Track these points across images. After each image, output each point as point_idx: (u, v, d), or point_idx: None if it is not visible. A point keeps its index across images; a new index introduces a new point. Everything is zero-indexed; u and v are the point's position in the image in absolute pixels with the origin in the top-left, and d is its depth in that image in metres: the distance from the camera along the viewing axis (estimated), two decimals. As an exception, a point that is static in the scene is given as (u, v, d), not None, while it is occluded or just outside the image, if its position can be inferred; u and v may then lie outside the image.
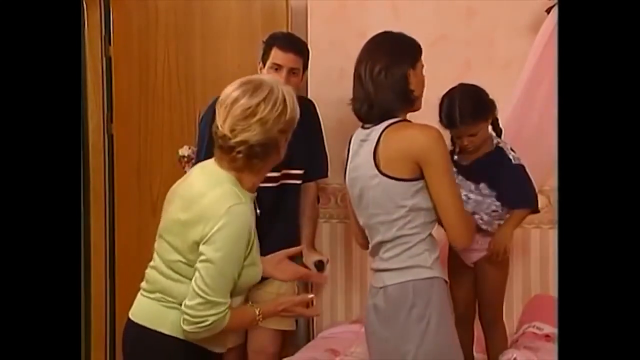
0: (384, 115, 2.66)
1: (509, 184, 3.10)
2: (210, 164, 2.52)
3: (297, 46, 3.47)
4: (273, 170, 3.50)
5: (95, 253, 4.19)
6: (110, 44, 4.16)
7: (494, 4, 3.75)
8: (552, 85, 3.25)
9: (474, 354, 3.24)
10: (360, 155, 2.71)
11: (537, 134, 3.50)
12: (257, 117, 2.38)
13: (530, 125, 3.55)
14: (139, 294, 2.62)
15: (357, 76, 2.69)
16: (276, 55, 3.43)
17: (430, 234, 2.67)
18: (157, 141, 4.12)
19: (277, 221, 3.50)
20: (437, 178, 2.58)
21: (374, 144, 2.64)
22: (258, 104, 2.39)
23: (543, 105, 3.50)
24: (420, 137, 2.59)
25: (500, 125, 3.15)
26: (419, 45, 2.73)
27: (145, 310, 2.56)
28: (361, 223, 2.77)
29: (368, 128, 2.70)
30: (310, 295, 2.71)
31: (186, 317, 2.40)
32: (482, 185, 3.09)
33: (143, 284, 2.61)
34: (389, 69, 2.64)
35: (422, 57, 2.71)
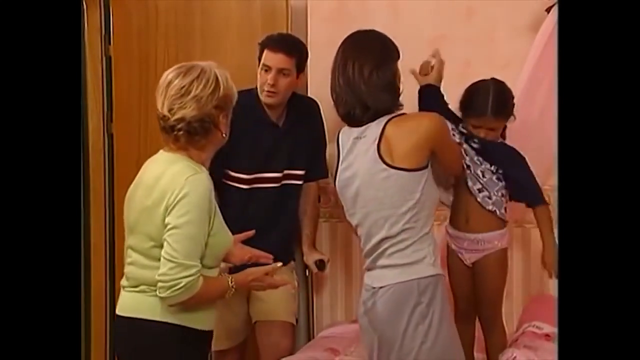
0: (378, 115, 2.68)
1: (525, 175, 3.14)
2: (159, 154, 2.69)
3: (286, 46, 3.43)
4: (275, 171, 3.53)
5: (95, 253, 4.19)
6: (110, 44, 4.16)
7: (494, 3, 3.75)
8: (552, 85, 3.25)
9: (474, 353, 3.25)
10: (355, 152, 2.71)
11: (537, 133, 3.50)
12: (192, 94, 2.55)
13: (530, 125, 3.54)
14: (122, 292, 2.70)
15: (345, 78, 2.69)
16: (266, 56, 3.43)
17: (431, 230, 2.69)
18: (157, 141, 4.07)
19: (278, 221, 3.50)
20: (448, 154, 2.77)
21: (377, 139, 2.64)
22: (191, 83, 2.56)
23: (543, 104, 3.50)
24: (431, 125, 2.69)
25: (506, 132, 3.20)
26: (394, 43, 2.80)
27: (132, 303, 2.64)
28: (355, 222, 2.76)
29: (359, 126, 2.71)
30: (279, 264, 2.81)
31: (160, 284, 2.51)
32: (497, 167, 3.12)
33: (124, 282, 2.69)
34: (379, 68, 2.67)
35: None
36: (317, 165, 3.67)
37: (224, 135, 2.66)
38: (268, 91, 3.42)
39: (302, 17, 3.94)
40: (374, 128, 2.67)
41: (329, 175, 3.71)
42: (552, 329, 3.26)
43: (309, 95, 3.82)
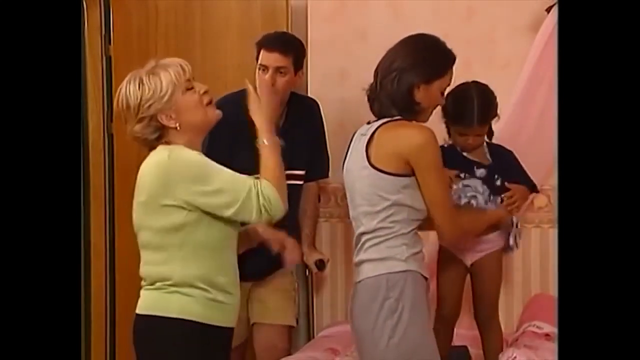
0: (382, 114, 2.72)
1: (519, 172, 3.16)
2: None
3: (282, 45, 3.42)
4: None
5: (95, 253, 4.19)
6: (110, 43, 4.16)
7: (494, 3, 3.75)
8: (552, 85, 3.25)
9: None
10: (356, 148, 2.76)
11: (537, 133, 3.51)
12: (131, 109, 2.55)
13: (530, 125, 3.55)
14: (142, 291, 2.66)
15: (376, 69, 2.74)
16: (263, 56, 3.41)
17: (412, 231, 2.70)
18: (157, 141, 4.11)
19: (278, 221, 3.49)
20: (428, 177, 2.65)
21: (368, 138, 2.69)
22: (127, 97, 2.55)
23: (543, 105, 3.51)
24: (413, 137, 2.65)
25: (492, 127, 3.17)
26: (449, 63, 2.77)
27: (149, 301, 2.62)
28: (351, 214, 2.80)
29: (370, 124, 2.74)
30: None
31: (254, 218, 2.53)
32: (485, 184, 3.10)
33: (142, 282, 2.66)
34: (400, 75, 2.68)
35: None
36: (317, 166, 3.66)
37: (178, 128, 2.58)
38: None
39: (302, 17, 3.94)
40: (373, 127, 2.71)
41: (329, 175, 3.73)
42: (552, 328, 3.26)
43: (309, 95, 3.82)
